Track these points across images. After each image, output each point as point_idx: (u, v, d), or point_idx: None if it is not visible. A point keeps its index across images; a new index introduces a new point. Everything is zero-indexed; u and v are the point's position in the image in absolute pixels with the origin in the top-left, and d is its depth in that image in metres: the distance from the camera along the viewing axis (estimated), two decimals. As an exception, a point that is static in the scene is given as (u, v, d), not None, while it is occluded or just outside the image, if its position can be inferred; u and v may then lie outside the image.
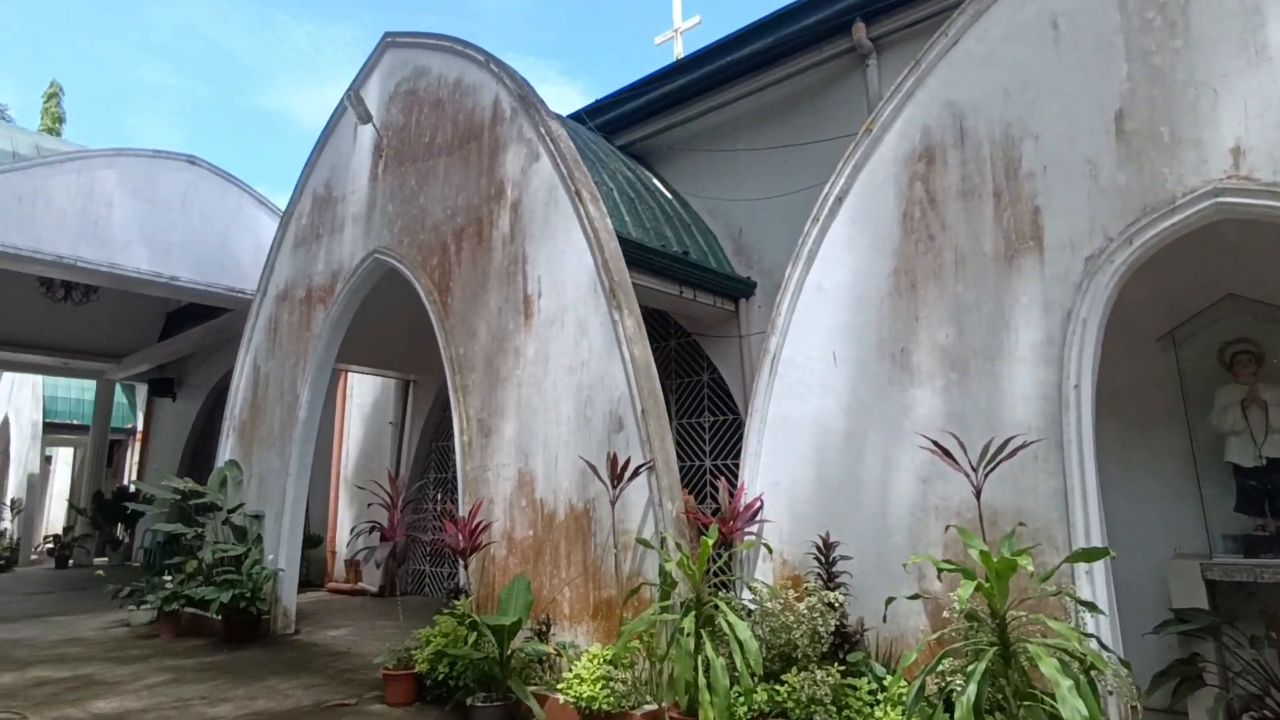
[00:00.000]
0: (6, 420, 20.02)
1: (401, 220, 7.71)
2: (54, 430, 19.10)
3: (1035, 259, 4.22)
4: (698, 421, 8.32)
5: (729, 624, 4.04)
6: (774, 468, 4.97)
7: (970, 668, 3.09)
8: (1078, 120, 4.21)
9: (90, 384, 18.98)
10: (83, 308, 14.40)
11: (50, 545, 17.58)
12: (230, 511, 8.83)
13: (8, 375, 20.19)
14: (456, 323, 6.83)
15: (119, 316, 15.87)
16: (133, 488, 17.51)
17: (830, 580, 4.47)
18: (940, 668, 3.32)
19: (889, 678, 3.90)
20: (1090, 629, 3.57)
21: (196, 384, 16.99)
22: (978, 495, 3.76)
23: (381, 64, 8.50)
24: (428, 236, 7.36)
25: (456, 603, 5.46)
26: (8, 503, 18.38)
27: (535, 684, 4.93)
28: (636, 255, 6.51)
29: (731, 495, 4.89)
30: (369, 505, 10.87)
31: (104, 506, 16.80)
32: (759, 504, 4.90)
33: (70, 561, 16.36)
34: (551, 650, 5.03)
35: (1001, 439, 3.80)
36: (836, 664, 4.13)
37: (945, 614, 3.83)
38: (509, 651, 4.88)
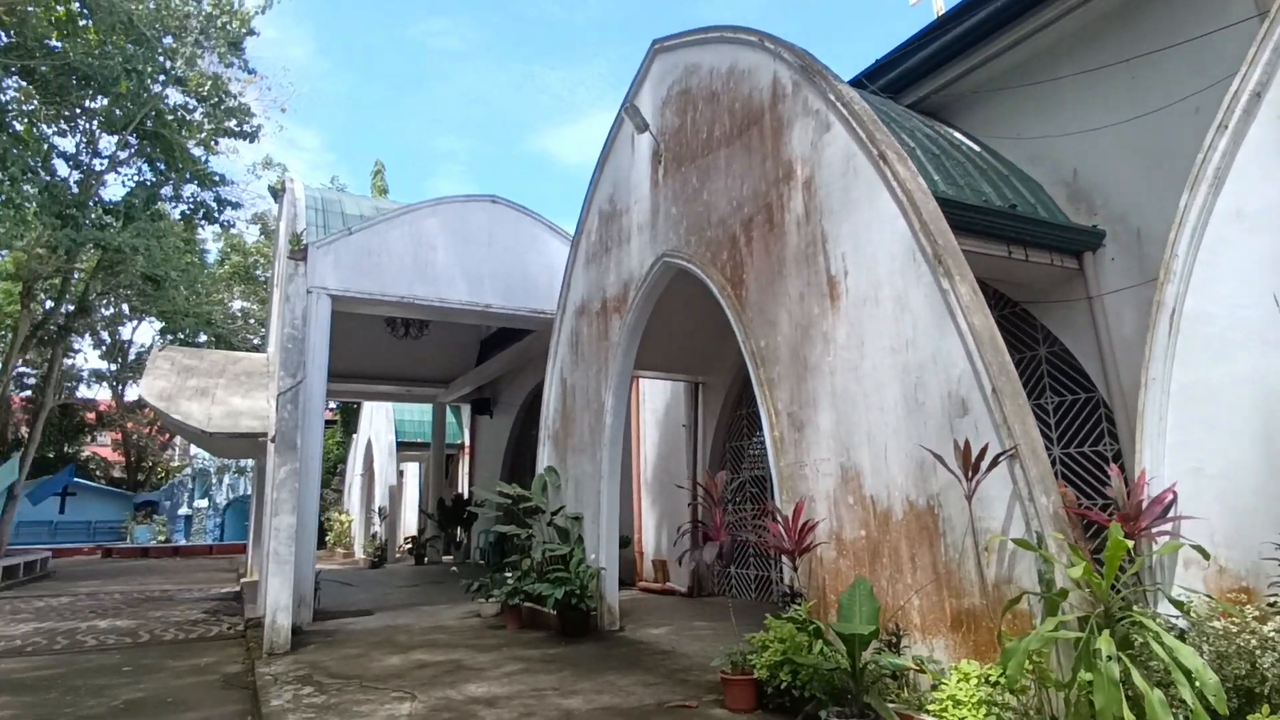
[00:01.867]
0: (370, 442, 24.16)
1: (686, 220, 7.68)
2: (403, 448, 22.62)
3: None
4: (1037, 404, 7.15)
5: (1165, 647, 3.18)
6: (1190, 449, 3.92)
7: None
8: None
9: (426, 407, 22.25)
10: (417, 342, 16.79)
11: (409, 546, 20.84)
12: (553, 514, 9.51)
13: (367, 405, 24.39)
14: (754, 315, 6.57)
15: (444, 348, 18.35)
16: (467, 495, 20.10)
17: (1303, 594, 3.37)
18: None
19: None
20: None
21: (509, 401, 19.02)
22: None
23: (652, 72, 8.62)
24: (714, 232, 7.22)
25: (795, 607, 5.13)
26: (377, 510, 22.13)
27: (893, 701, 4.41)
28: (952, 216, 5.69)
29: (1128, 486, 3.94)
30: (687, 505, 11.12)
31: (446, 512, 19.46)
32: (1171, 496, 3.89)
33: (425, 559, 19.20)
34: (910, 665, 4.47)
35: None
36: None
37: None
38: (862, 663, 4.42)
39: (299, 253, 10.55)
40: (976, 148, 7.35)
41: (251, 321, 33.10)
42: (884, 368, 5.27)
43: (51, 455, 31.57)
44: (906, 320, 5.13)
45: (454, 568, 10.68)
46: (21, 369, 28.62)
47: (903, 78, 8.25)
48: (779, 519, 5.64)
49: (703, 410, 11.44)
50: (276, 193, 15.00)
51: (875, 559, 5.17)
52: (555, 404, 10.35)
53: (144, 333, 33.98)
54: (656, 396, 12.50)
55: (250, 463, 31.88)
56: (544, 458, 10.44)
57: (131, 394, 34.97)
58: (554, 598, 8.02)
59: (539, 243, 12.30)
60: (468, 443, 21.89)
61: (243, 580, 16.04)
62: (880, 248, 5.40)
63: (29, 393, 30.27)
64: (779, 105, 6.55)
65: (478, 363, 19.16)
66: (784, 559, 5.58)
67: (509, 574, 9.25)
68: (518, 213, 12.25)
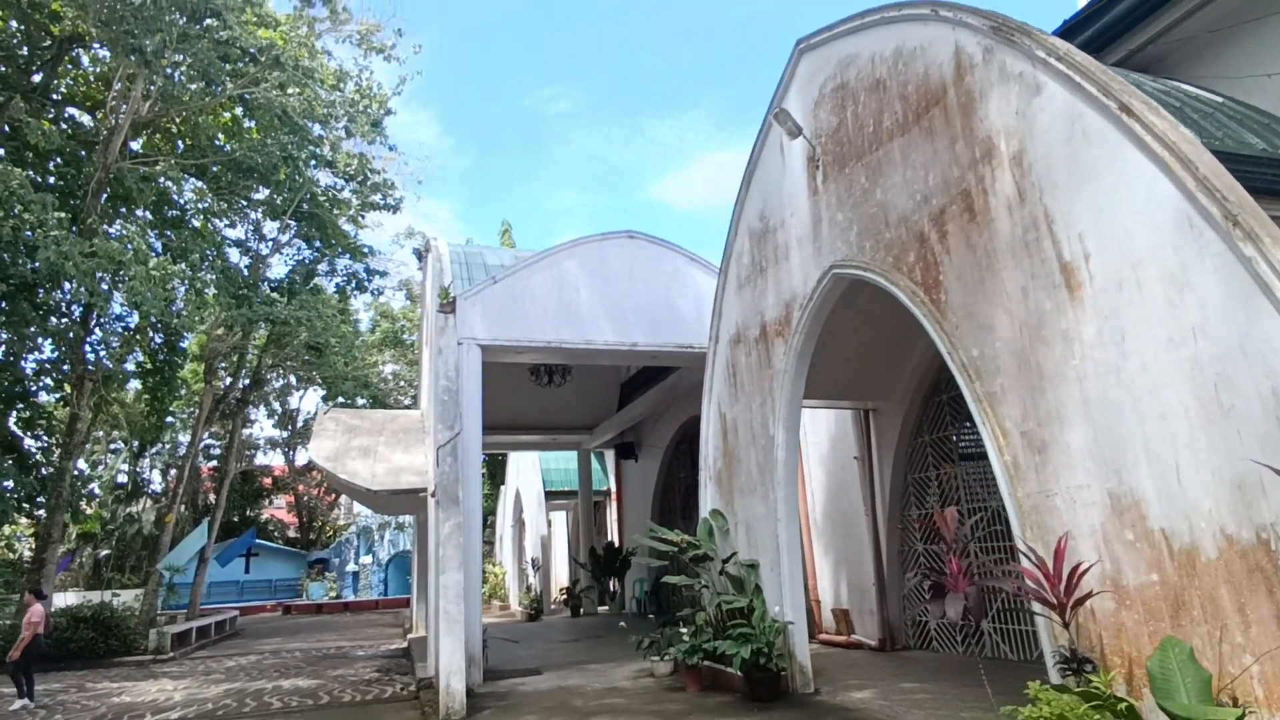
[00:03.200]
0: (518, 493, 24.36)
1: (857, 225, 6.86)
2: (550, 497, 22.58)
3: None
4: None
5: None
6: None
7: None
8: None
9: (570, 455, 22.18)
10: (560, 389, 16.63)
11: (564, 597, 20.57)
12: (725, 561, 8.72)
13: (512, 455, 24.68)
14: (959, 321, 5.62)
15: (585, 393, 18.18)
16: (618, 543, 19.64)
17: None
18: None
19: None
20: None
21: (653, 443, 18.51)
22: None
23: (798, 74, 7.96)
24: (895, 233, 6.36)
25: (1092, 677, 4.06)
26: (530, 561, 22.11)
27: (1252, 809, 3.26)
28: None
29: None
30: (871, 546, 10.03)
31: (598, 561, 19.05)
32: None
33: (581, 610, 18.81)
34: (1278, 759, 3.32)
35: None
36: None
37: None
38: (1203, 757, 3.32)
39: (448, 305, 10.58)
40: (1218, 98, 6.10)
41: (402, 383, 34.91)
42: (1160, 365, 4.19)
43: (235, 519, 34.27)
44: (1189, 303, 4.06)
45: (622, 623, 10.07)
46: (207, 440, 31.43)
47: (1100, 36, 7.12)
48: (1031, 561, 4.59)
49: (876, 440, 10.34)
50: (421, 255, 15.55)
51: (1179, 612, 4.03)
52: (715, 441, 9.64)
53: (309, 400, 36.44)
54: (819, 428, 11.51)
55: (408, 518, 33.26)
56: (707, 501, 9.71)
57: (301, 458, 37.65)
58: (740, 657, 7.18)
59: (681, 275, 11.80)
60: (614, 489, 21.54)
61: (409, 636, 16.24)
62: (1135, 219, 4.37)
63: (214, 462, 33.16)
64: (966, 78, 5.68)
65: (619, 406, 18.85)
66: (1042, 611, 4.51)
67: (683, 629, 8.51)
68: (657, 246, 11.84)
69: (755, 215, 8.78)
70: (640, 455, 19.52)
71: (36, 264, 14.62)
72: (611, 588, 19.09)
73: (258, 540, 33.27)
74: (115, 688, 12.01)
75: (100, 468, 31.19)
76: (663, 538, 9.65)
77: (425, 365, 16.31)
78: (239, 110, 21.30)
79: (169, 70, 15.65)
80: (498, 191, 79.44)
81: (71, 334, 17.70)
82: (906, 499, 10.15)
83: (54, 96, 19.52)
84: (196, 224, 21.36)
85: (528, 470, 21.81)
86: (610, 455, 21.71)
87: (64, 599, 20.58)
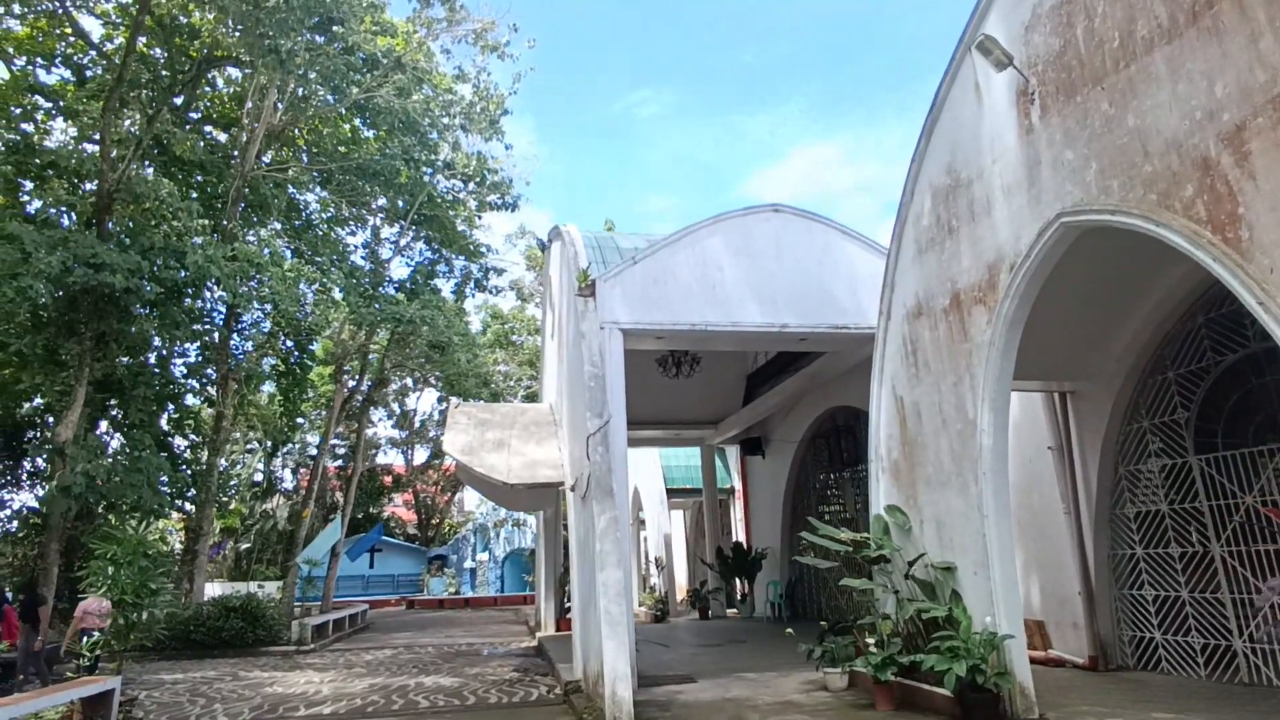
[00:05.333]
0: (636, 491, 23.82)
1: (1098, 162, 5.73)
2: (670, 495, 21.88)
3: None
4: None
5: None
6: None
7: None
8: None
9: (690, 452, 21.42)
10: (686, 381, 15.82)
11: (689, 598, 19.82)
12: (910, 564, 7.69)
13: (632, 451, 24.14)
14: (1278, 262, 4.43)
15: (710, 386, 17.32)
16: (746, 544, 18.71)
17: None
18: None
19: None
20: None
21: (783, 438, 17.46)
22: None
23: (999, -2, 6.85)
24: (1160, 164, 5.20)
25: None
26: (654, 561, 21.49)
27: None
28: None
29: None
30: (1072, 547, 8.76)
31: (726, 563, 18.18)
32: None
33: (709, 613, 17.99)
34: None
35: None
36: None
37: None
38: None
39: (587, 289, 10.02)
40: None
41: (511, 383, 35.23)
42: None
43: (359, 516, 35.52)
44: None
45: (788, 630, 9.17)
46: (333, 441, 32.68)
47: None
48: None
49: (1076, 427, 9.00)
50: (545, 244, 15.16)
51: None
52: (888, 429, 8.62)
53: (425, 400, 37.43)
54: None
55: (526, 516, 33.46)
56: (879, 496, 8.70)
57: (419, 457, 38.73)
58: (954, 674, 6.15)
59: (832, 250, 10.80)
60: (738, 486, 20.62)
61: (539, 635, 15.88)
62: None
63: (338, 461, 34.46)
64: (1272, -43, 4.49)
65: (745, 399, 17.92)
66: None
67: (869, 639, 7.53)
68: (805, 220, 10.89)
69: (940, 169, 7.71)
70: (767, 452, 18.52)
71: (185, 271, 15.21)
72: (741, 590, 18.17)
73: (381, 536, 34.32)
74: (266, 677, 12.14)
75: (239, 467, 32.98)
76: (832, 536, 8.71)
77: (549, 358, 15.94)
78: (358, 121, 21.90)
79: (301, 70, 15.95)
80: (591, 198, 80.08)
81: (216, 335, 18.43)
82: (1119, 494, 8.75)
83: (193, 115, 20.53)
84: (321, 232, 22.07)
85: (648, 467, 21.19)
86: (733, 452, 20.81)
87: (211, 589, 21.57)
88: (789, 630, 9.42)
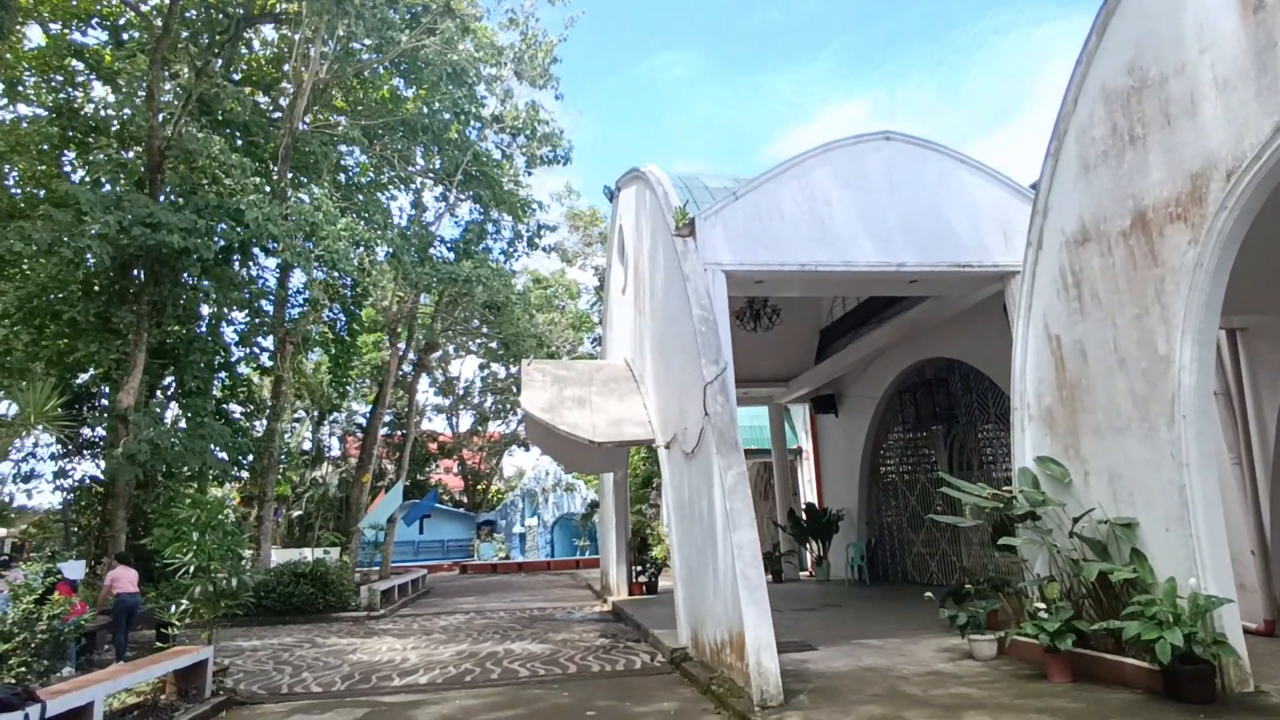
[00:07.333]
0: (695, 453, 23.14)
1: (1372, 32, 4.73)
2: (733, 458, 21.10)
3: None
4: None
5: None
6: None
7: None
8: None
9: (754, 411, 20.52)
10: (757, 337, 14.84)
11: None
12: (1075, 520, 6.86)
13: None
14: None
15: (783, 341, 16.39)
16: (819, 505, 17.97)
17: None
18: None
19: None
20: None
21: (860, 394, 16.57)
22: None
23: None
24: None
25: None
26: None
27: None
28: None
29: None
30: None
31: (799, 525, 17.48)
32: None
33: (783, 576, 17.34)
34: None
35: None
36: None
37: None
38: None
39: (686, 227, 9.18)
40: None
41: (553, 347, 34.61)
42: None
43: (408, 482, 35.48)
44: None
45: (928, 594, 8.44)
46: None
47: None
48: None
49: (1247, 367, 8.03)
50: (613, 192, 14.27)
51: None
52: (1038, 374, 7.73)
53: (468, 367, 37.09)
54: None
55: (572, 479, 33.05)
56: (1026, 447, 7.84)
57: (464, 423, 38.50)
58: (1167, 644, 5.34)
59: (949, 181, 9.80)
60: (807, 447, 19.83)
61: (611, 600, 15.38)
62: None
63: (384, 429, 34.31)
64: None
65: (818, 355, 17.03)
66: None
67: (1036, 604, 6.74)
68: (919, 148, 9.88)
69: (1119, 69, 6.69)
70: (841, 409, 17.65)
71: (241, 228, 14.62)
72: (816, 552, 17.48)
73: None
74: (345, 644, 11.75)
75: (288, 435, 32.95)
76: (969, 491, 7.91)
77: (617, 314, 15.16)
78: (398, 81, 21.03)
79: (352, 14, 15.11)
80: (618, 165, 78.62)
81: (273, 295, 17.95)
82: (1302, 442, 7.82)
83: (234, 78, 19.83)
84: (364, 197, 21.36)
85: (712, 428, 20.41)
86: (802, 411, 19.98)
87: (274, 556, 21.44)
88: (928, 594, 8.65)
